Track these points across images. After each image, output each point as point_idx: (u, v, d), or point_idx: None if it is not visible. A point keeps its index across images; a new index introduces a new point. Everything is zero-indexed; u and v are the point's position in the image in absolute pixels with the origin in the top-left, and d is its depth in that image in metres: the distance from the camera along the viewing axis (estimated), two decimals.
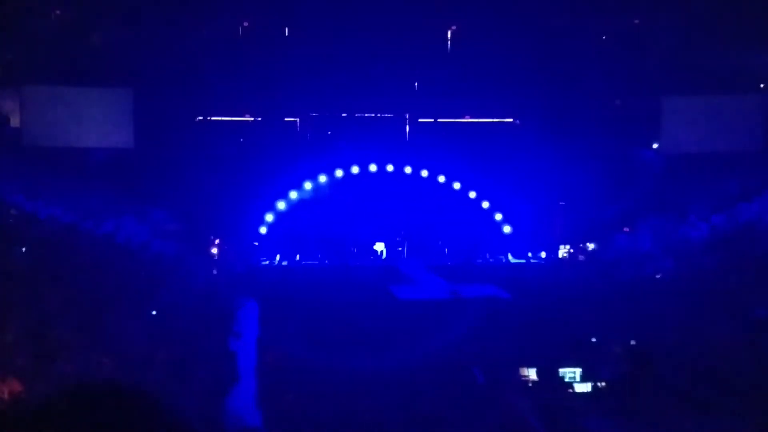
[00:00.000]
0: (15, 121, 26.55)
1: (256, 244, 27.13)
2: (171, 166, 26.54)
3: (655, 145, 29.19)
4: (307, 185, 27.76)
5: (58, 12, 26.76)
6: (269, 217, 26.94)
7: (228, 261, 25.19)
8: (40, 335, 11.70)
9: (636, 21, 28.01)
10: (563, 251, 27.24)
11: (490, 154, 28.00)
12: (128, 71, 26.26)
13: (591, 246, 26.60)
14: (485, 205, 29.17)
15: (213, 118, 29.36)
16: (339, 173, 29.37)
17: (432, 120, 30.27)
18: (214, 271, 23.95)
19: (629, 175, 27.44)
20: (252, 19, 28.25)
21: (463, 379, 13.94)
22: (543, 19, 26.68)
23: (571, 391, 13.50)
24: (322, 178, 29.15)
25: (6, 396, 9.22)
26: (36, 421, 1.18)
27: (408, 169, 29.81)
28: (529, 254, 27.93)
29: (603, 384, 13.46)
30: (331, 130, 30.10)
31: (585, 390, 13.52)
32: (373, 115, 30.00)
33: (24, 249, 15.86)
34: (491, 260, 27.68)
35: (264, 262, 26.83)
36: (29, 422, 1.18)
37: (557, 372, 13.65)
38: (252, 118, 29.79)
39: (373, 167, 29.75)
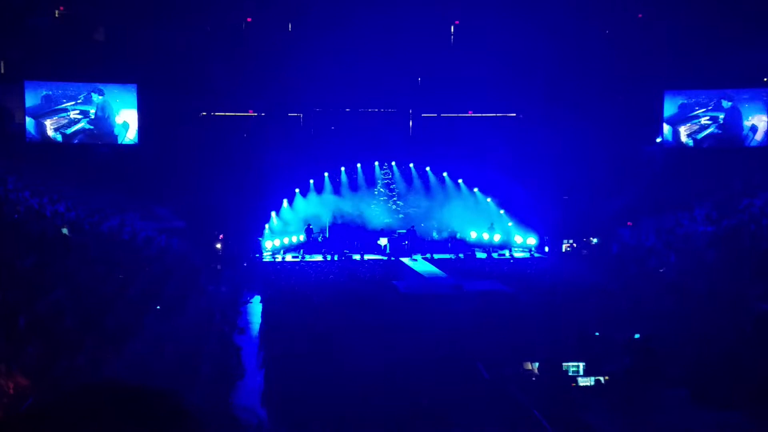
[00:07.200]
0: (19, 117, 26.63)
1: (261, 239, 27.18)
2: (174, 162, 26.59)
3: (658, 140, 29.20)
4: None
5: (62, 8, 26.83)
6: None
7: (232, 256, 25.24)
8: (45, 330, 11.77)
9: (639, 15, 28.03)
10: (566, 246, 27.26)
11: (493, 149, 27.99)
12: (132, 67, 26.35)
13: (594, 240, 26.61)
14: (488, 200, 29.21)
15: (217, 114, 29.41)
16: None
17: (435, 115, 30.30)
18: (218, 267, 24.00)
19: (632, 170, 27.43)
20: (255, 14, 28.30)
21: (466, 374, 13.94)
22: (545, 14, 26.69)
23: (574, 384, 13.49)
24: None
25: (12, 391, 9.29)
26: (39, 421, 1.21)
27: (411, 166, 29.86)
28: (532, 248, 27.94)
29: (606, 378, 13.45)
30: (334, 125, 30.14)
31: (588, 384, 13.52)
32: (377, 110, 30.03)
33: (29, 244, 15.92)
34: (494, 255, 27.68)
35: (267, 258, 26.84)
36: (32, 422, 1.21)
37: (561, 366, 13.63)
38: (256, 114, 29.84)
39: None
